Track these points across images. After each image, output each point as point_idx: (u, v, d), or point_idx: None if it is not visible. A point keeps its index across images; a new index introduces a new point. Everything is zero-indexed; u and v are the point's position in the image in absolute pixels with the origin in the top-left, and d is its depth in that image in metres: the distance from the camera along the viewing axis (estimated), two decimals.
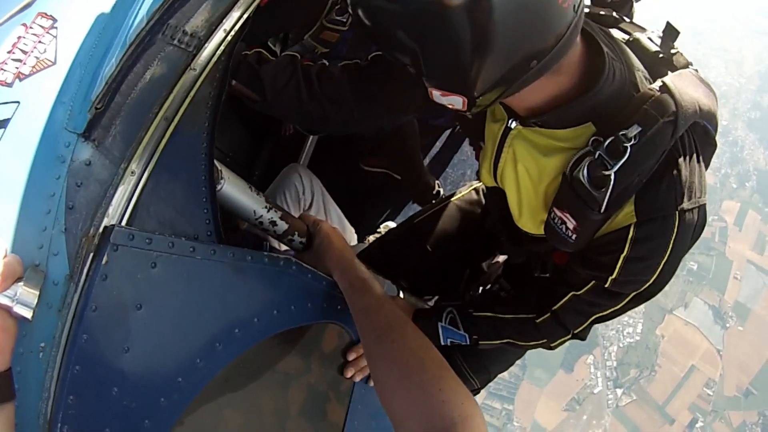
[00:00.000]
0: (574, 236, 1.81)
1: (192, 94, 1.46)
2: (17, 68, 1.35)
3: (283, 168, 3.66)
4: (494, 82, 1.48)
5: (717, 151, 1.87)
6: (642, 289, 1.90)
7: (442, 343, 2.42)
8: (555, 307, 2.11)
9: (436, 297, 3.13)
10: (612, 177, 1.63)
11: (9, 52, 1.36)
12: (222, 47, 1.52)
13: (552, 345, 2.30)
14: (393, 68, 2.01)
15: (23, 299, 1.16)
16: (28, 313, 1.16)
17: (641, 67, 1.76)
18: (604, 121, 1.68)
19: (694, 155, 1.72)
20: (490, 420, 62.25)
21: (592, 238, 1.82)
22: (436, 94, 1.56)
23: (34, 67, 1.36)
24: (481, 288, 3.26)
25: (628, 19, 1.97)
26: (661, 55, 1.79)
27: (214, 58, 1.50)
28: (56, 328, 1.27)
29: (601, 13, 1.99)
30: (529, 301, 2.26)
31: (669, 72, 1.74)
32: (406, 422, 1.50)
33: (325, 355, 2.13)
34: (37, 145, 1.32)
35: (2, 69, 1.35)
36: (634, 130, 1.59)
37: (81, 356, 1.27)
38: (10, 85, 1.34)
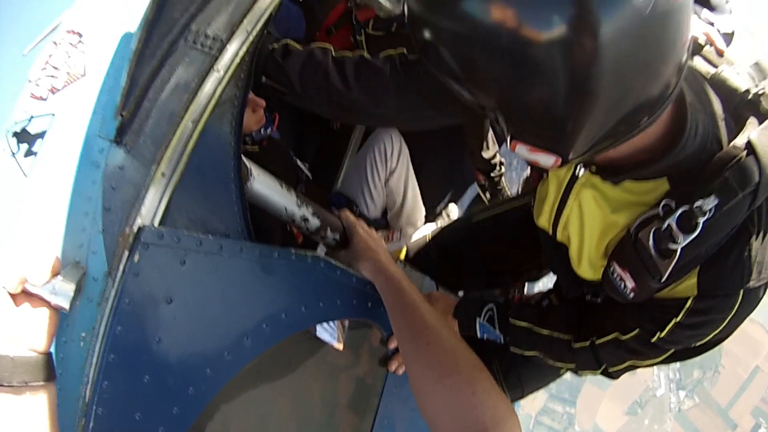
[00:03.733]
0: (631, 295, 1.71)
1: (217, 95, 1.50)
2: (50, 83, 1.43)
3: (331, 161, 3.76)
4: (597, 140, 1.31)
5: None
6: (686, 348, 1.84)
7: (479, 337, 2.41)
8: (597, 341, 2.04)
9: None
10: (678, 251, 1.52)
11: (42, 69, 1.44)
12: (244, 48, 1.54)
13: (579, 371, 2.26)
14: None
15: (60, 291, 1.26)
16: (65, 304, 1.26)
17: (721, 113, 1.58)
18: (679, 180, 1.55)
19: None
20: (551, 424, 61.55)
21: (650, 298, 1.72)
22: (521, 150, 1.36)
23: (66, 80, 1.44)
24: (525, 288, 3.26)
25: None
26: (749, 97, 1.58)
27: (237, 59, 1.53)
28: (96, 319, 1.35)
29: None
30: (571, 322, 2.21)
31: (754, 118, 1.55)
32: (439, 424, 1.52)
33: (374, 349, 2.17)
34: (73, 152, 1.39)
35: (37, 85, 1.43)
36: (710, 203, 1.44)
37: (115, 346, 1.34)
38: (45, 99, 1.43)
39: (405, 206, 3.64)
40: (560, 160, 1.35)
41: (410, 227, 3.67)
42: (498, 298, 2.55)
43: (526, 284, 3.42)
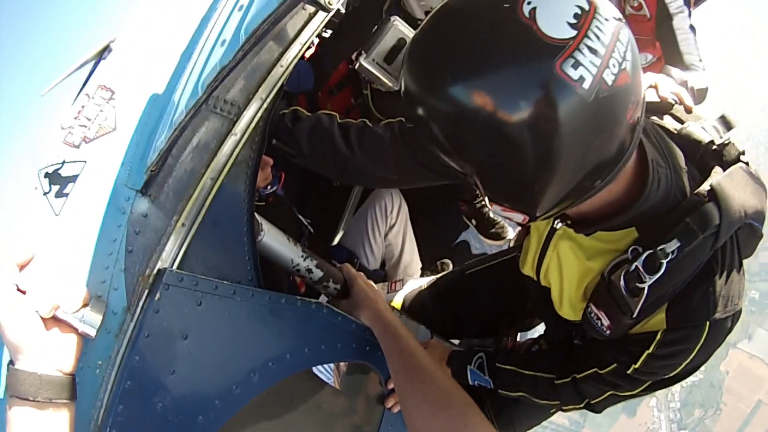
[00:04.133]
0: (608, 332, 1.83)
1: (234, 156, 1.65)
2: (83, 133, 1.58)
3: (331, 217, 3.97)
4: (557, 201, 1.47)
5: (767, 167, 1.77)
6: (662, 379, 1.94)
7: (470, 384, 2.53)
8: (577, 376, 2.14)
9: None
10: (646, 290, 1.65)
11: (75, 119, 1.58)
12: (259, 114, 1.70)
13: (564, 408, 2.35)
14: None
15: (88, 320, 1.39)
16: (92, 332, 1.40)
17: (684, 165, 1.72)
18: (646, 228, 1.68)
19: (735, 261, 1.72)
20: None
21: (625, 335, 1.84)
22: (496, 208, 1.55)
23: (97, 132, 1.58)
24: (518, 337, 3.37)
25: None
26: (713, 147, 1.75)
27: (253, 124, 1.69)
28: (113, 349, 1.50)
29: (655, 100, 2.01)
30: (554, 362, 2.31)
31: (718, 167, 1.71)
32: None
33: (371, 396, 2.29)
34: (101, 197, 1.54)
35: (70, 132, 1.58)
36: (672, 246, 1.58)
37: (132, 374, 1.49)
38: (77, 146, 1.57)
39: (403, 258, 3.80)
40: (527, 218, 1.53)
41: (408, 277, 3.80)
42: (489, 347, 2.66)
43: (519, 334, 3.53)
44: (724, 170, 1.69)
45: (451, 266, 4.11)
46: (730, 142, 1.75)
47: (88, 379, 1.49)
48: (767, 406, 62.69)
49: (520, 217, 1.54)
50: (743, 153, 1.75)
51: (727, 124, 1.84)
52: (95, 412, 1.49)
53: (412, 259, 3.87)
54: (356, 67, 2.99)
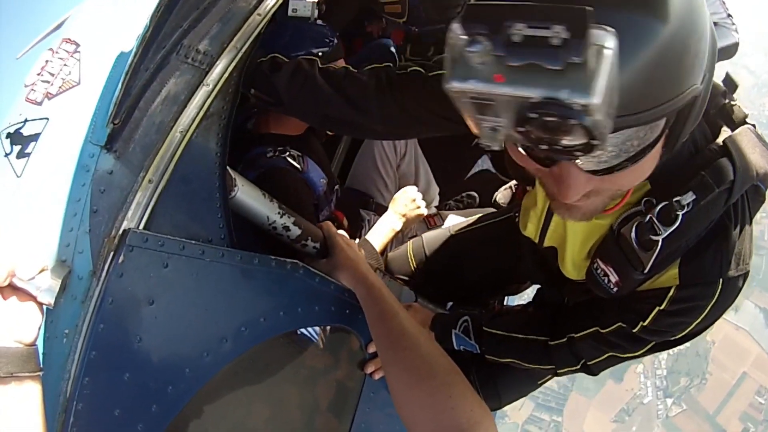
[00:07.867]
0: (615, 289, 1.77)
1: (205, 108, 1.56)
2: (46, 89, 1.49)
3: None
4: None
5: None
6: (667, 340, 1.88)
7: (455, 348, 2.47)
8: (575, 335, 2.07)
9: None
10: (660, 242, 1.60)
11: (38, 75, 1.50)
12: (233, 63, 1.61)
13: (558, 372, 2.28)
14: (432, 84, 1.89)
15: (46, 287, 1.30)
16: (50, 300, 1.30)
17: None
18: (659, 180, 1.59)
19: (747, 219, 1.66)
20: None
21: (632, 292, 1.79)
22: None
23: (60, 87, 1.50)
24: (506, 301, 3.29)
25: None
26: (724, 103, 1.65)
27: (226, 74, 1.60)
28: (79, 317, 1.40)
29: None
30: (545, 324, 2.25)
31: (727, 126, 1.64)
32: (417, 427, 1.58)
33: (354, 352, 2.23)
34: (65, 156, 1.46)
35: (33, 89, 1.49)
36: (688, 198, 1.53)
37: (97, 343, 1.39)
38: (39, 103, 1.49)
39: (419, 186, 3.61)
40: None
41: (443, 212, 3.65)
42: (474, 310, 2.57)
43: (507, 298, 3.46)
44: (732, 130, 1.63)
45: (478, 199, 3.99)
46: (736, 104, 1.67)
47: (56, 349, 1.40)
48: (752, 379, 63.71)
49: None
50: (747, 116, 1.67)
51: (731, 86, 1.70)
52: (64, 384, 1.40)
53: (429, 185, 3.76)
54: None
